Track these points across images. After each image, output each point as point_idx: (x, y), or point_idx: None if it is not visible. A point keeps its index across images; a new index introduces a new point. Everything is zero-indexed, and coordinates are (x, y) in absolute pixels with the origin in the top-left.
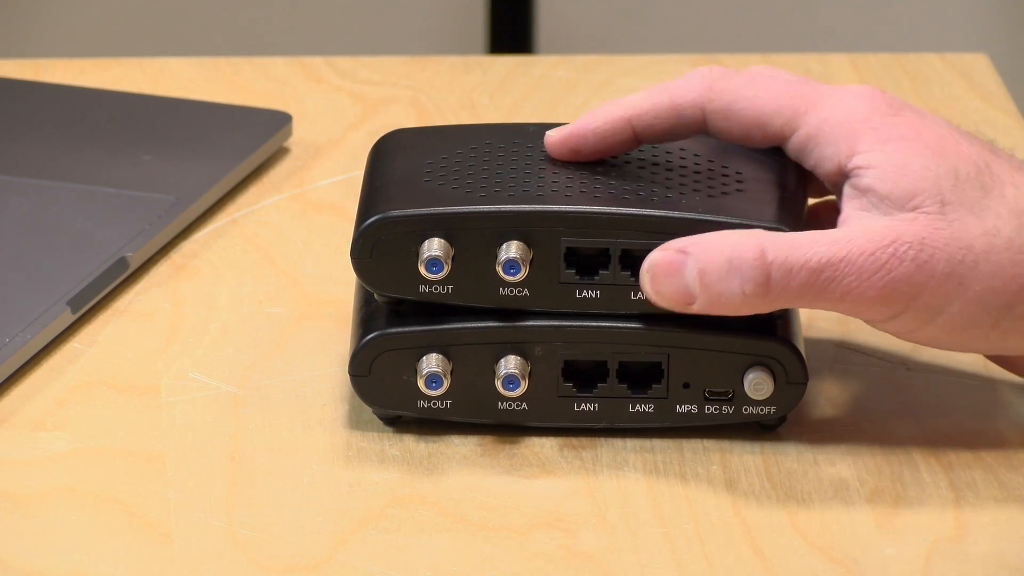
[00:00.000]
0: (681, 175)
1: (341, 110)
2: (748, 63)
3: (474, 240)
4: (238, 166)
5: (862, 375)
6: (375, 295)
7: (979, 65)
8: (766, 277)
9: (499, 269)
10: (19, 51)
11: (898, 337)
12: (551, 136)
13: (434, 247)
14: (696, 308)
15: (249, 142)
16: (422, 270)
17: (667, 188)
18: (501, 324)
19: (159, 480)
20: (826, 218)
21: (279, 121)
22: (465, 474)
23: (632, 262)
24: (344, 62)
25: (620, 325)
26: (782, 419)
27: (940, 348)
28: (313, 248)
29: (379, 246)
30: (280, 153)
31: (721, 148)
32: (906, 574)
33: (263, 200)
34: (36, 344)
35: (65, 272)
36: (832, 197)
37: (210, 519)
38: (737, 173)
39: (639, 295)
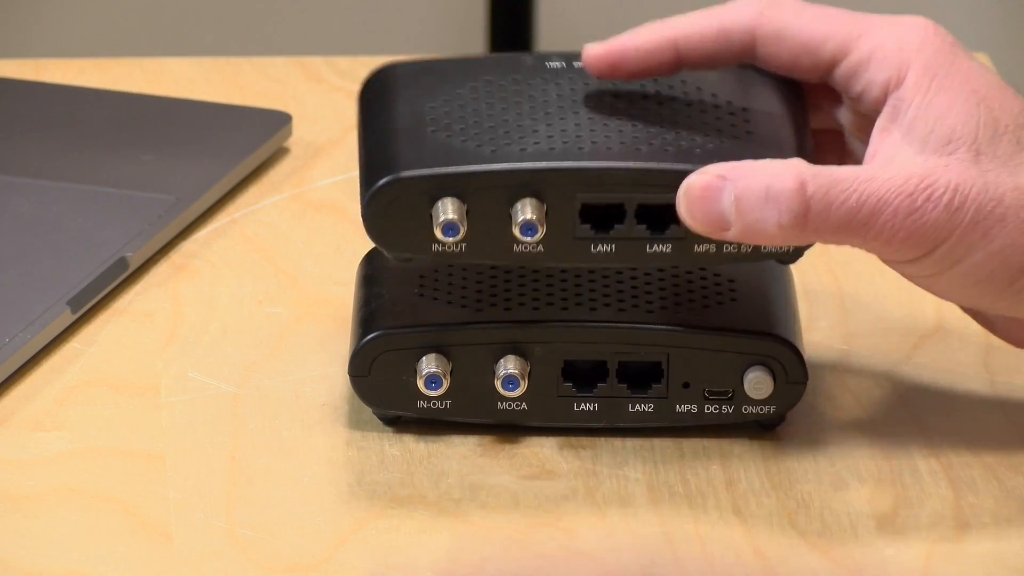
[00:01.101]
0: (691, 118)
1: (341, 110)
2: None
3: (488, 200)
4: (238, 166)
5: (862, 375)
6: (388, 254)
7: None
8: (805, 210)
9: (516, 231)
10: (19, 51)
11: (912, 280)
12: (591, 49)
13: (448, 210)
14: (731, 235)
15: (249, 142)
16: (438, 233)
17: (679, 135)
18: (501, 324)
19: (159, 480)
20: (830, 147)
21: (279, 121)
22: (465, 474)
23: (648, 215)
24: (344, 62)
25: (620, 325)
26: (782, 418)
27: (951, 300)
28: (313, 248)
29: (391, 207)
30: (280, 153)
31: (731, 82)
32: (906, 574)
33: (263, 200)
34: (36, 344)
35: (65, 272)
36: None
37: (210, 519)
38: (744, 111)
39: (654, 248)
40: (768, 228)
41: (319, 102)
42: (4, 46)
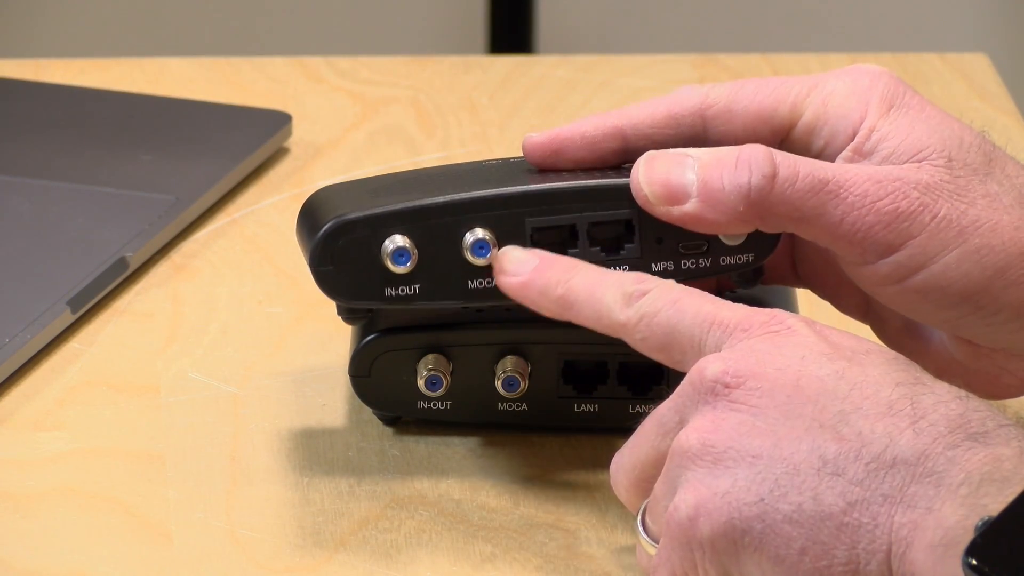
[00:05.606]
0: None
1: (341, 110)
2: (748, 63)
3: (437, 233)
4: (238, 166)
5: None
6: (338, 311)
7: (979, 65)
8: (773, 172)
9: (467, 254)
10: (19, 51)
11: (880, 290)
12: (531, 137)
13: (397, 241)
14: (687, 208)
15: (249, 142)
16: (388, 264)
17: (623, 172)
18: (501, 325)
19: (159, 480)
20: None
21: (279, 121)
22: (465, 474)
23: (601, 237)
24: (344, 62)
25: None
26: None
27: (919, 314)
28: None
29: (340, 253)
30: (280, 153)
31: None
32: None
33: (263, 200)
34: (36, 344)
35: (65, 272)
36: None
37: (210, 519)
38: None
39: (611, 269)
40: (730, 197)
41: (319, 102)
42: (4, 46)
